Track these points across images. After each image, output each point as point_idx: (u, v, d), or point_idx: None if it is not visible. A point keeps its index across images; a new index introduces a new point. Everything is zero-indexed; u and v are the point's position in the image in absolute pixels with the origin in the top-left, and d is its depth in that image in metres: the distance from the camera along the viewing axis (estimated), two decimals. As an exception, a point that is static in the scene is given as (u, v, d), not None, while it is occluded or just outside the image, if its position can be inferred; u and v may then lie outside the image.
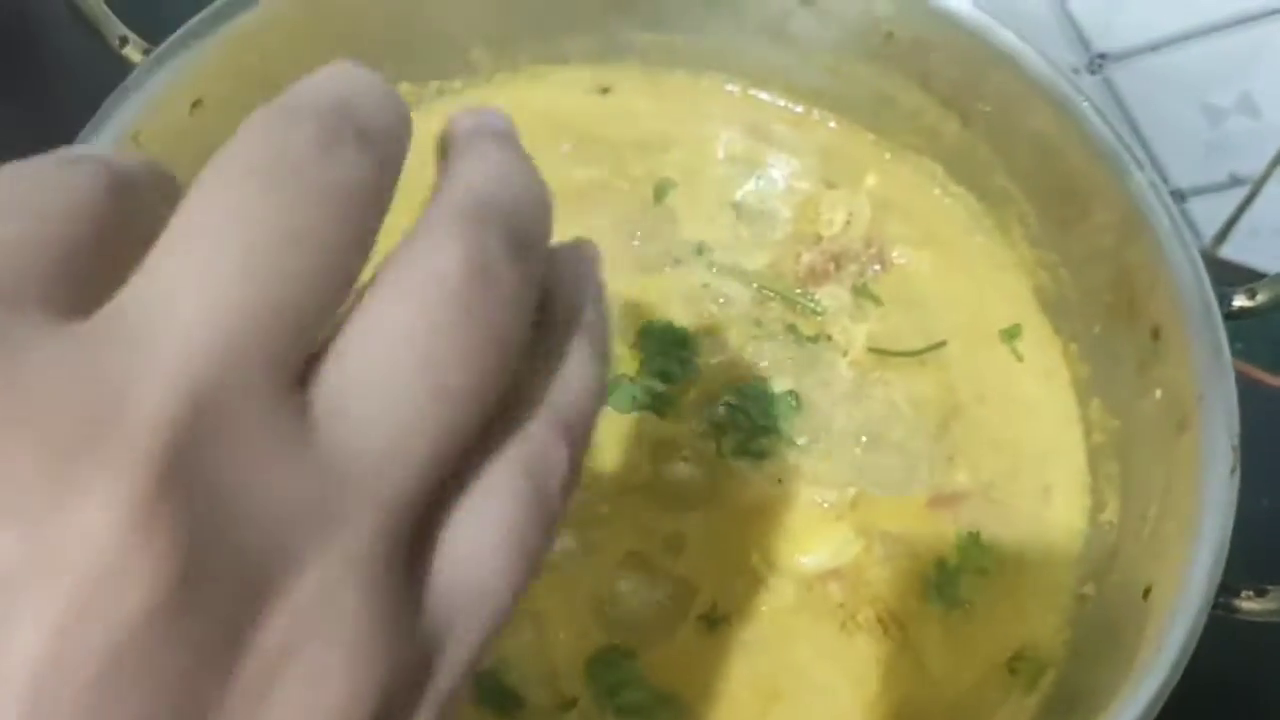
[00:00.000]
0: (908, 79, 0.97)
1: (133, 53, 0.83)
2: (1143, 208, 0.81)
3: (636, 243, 0.97)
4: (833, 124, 1.04)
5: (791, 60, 1.01)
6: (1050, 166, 0.89)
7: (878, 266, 0.96)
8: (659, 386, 0.88)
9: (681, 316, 0.92)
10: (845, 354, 0.92)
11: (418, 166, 1.05)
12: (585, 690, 0.76)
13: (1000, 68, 0.89)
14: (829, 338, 0.92)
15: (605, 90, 1.06)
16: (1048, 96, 0.86)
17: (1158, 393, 0.78)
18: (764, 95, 1.05)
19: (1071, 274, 0.90)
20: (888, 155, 1.03)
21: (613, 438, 0.86)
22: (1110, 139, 0.83)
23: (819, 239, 0.96)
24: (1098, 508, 0.84)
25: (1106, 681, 0.66)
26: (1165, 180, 1.30)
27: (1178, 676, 0.64)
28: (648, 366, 0.89)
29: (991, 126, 0.94)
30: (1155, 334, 0.79)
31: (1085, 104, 0.84)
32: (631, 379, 0.88)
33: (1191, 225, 1.29)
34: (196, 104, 0.85)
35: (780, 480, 0.85)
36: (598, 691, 0.76)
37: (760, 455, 0.85)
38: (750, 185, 1.01)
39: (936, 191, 1.01)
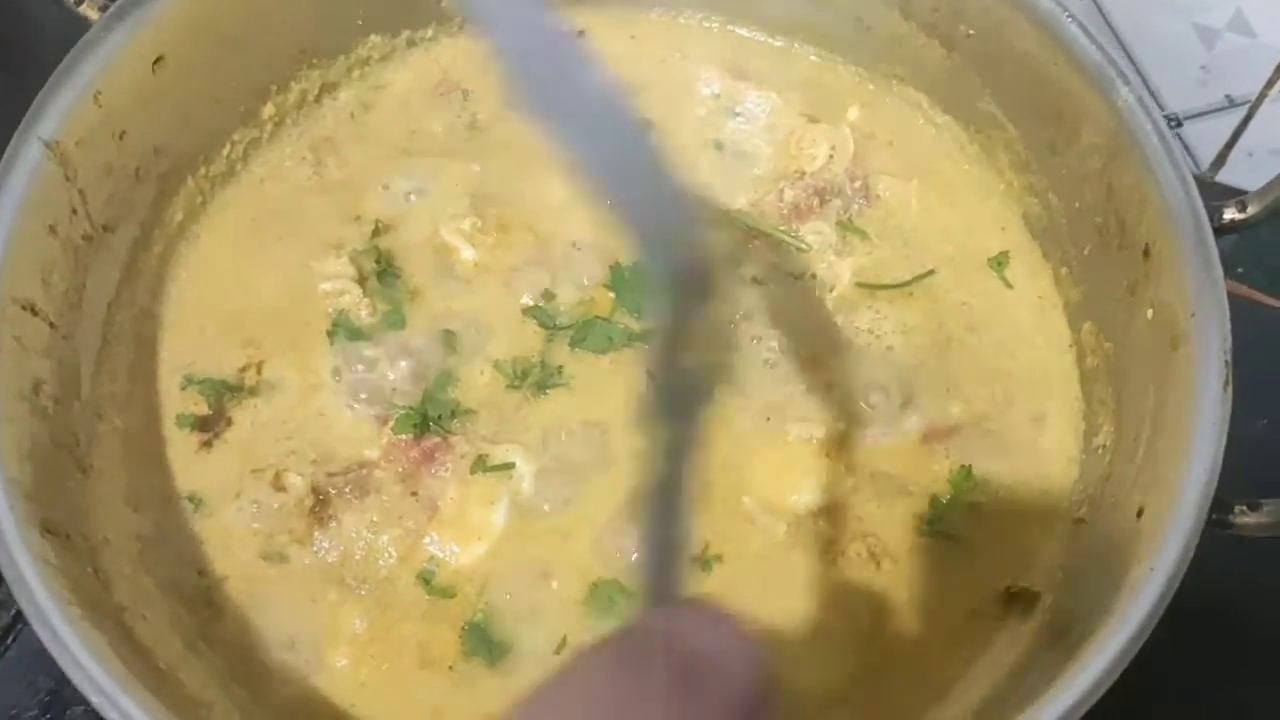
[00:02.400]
0: (888, 6, 0.94)
1: (89, 9, 0.81)
2: (1131, 125, 0.78)
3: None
4: (813, 57, 1.02)
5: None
6: (1037, 88, 0.86)
7: (863, 200, 0.94)
8: (635, 325, 0.87)
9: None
10: (832, 289, 0.90)
11: (394, 112, 1.01)
12: (578, 624, 0.76)
13: (981, -13, 0.86)
14: (813, 275, 0.91)
15: (580, 33, 1.03)
16: (1032, 15, 0.84)
17: (1149, 312, 0.76)
18: (743, 31, 1.03)
19: (1060, 198, 0.88)
20: (871, 87, 1.00)
21: (594, 382, 0.85)
22: (1096, 56, 0.81)
23: (801, 174, 0.94)
24: (1091, 432, 0.83)
25: (1101, 603, 0.65)
26: (1160, 105, 1.29)
27: (1171, 593, 0.63)
28: (622, 305, 0.88)
29: (975, 51, 0.91)
30: (1146, 252, 0.77)
31: (1069, 20, 0.82)
32: (605, 319, 0.87)
33: (1188, 149, 1.27)
34: (158, 61, 0.83)
35: (768, 418, 0.83)
36: (592, 624, 0.76)
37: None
38: (731, 123, 0.99)
39: (921, 122, 0.99)
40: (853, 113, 0.98)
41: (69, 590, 0.63)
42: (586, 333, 0.86)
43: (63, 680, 0.87)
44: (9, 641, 0.90)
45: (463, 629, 0.75)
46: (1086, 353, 0.85)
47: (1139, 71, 1.31)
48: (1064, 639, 0.67)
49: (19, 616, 0.91)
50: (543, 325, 0.87)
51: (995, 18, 0.88)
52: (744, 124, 0.99)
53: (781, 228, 0.92)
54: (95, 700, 0.58)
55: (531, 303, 0.88)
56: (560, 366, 0.85)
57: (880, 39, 0.97)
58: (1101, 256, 0.84)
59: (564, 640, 0.75)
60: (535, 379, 0.84)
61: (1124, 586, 0.64)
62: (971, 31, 0.91)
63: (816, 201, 0.94)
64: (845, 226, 0.93)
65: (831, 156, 0.95)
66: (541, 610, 0.77)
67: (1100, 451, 0.80)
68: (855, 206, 0.94)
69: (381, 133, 0.97)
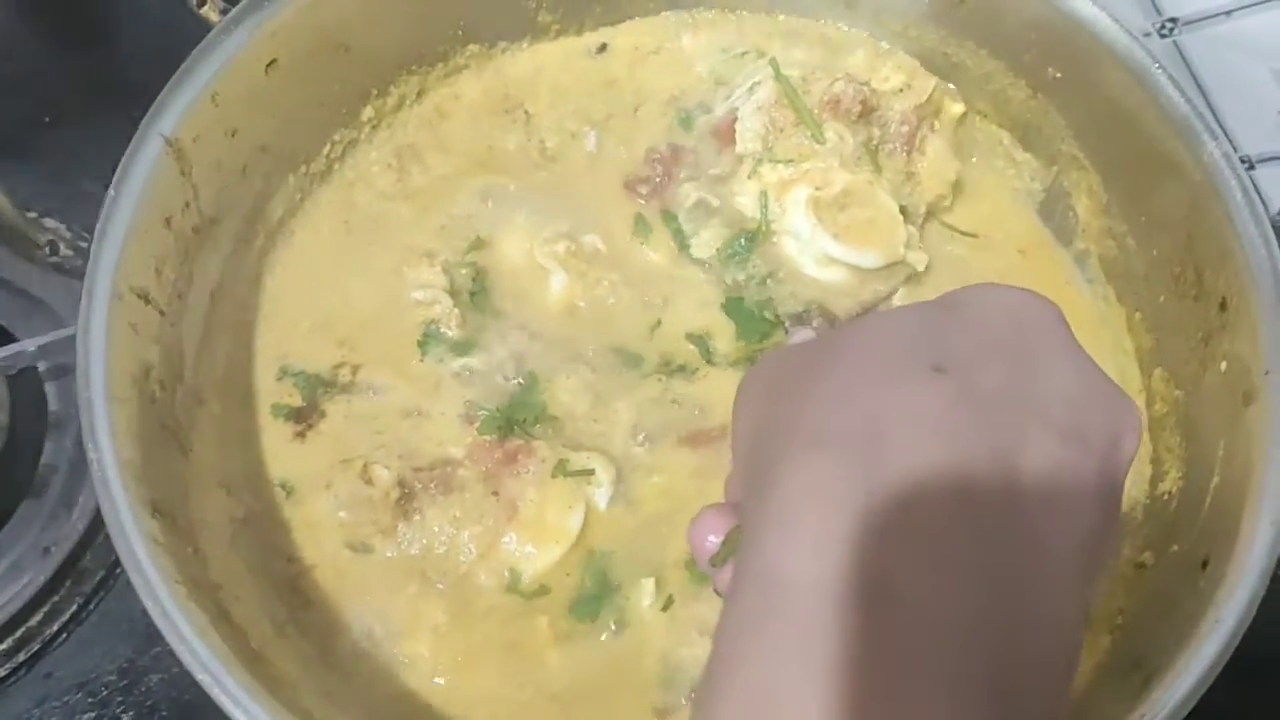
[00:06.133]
0: (978, 44, 0.96)
1: (210, 12, 0.85)
2: (1215, 179, 0.80)
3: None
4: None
5: (861, 24, 1.01)
6: (1122, 134, 0.88)
7: (902, 145, 0.93)
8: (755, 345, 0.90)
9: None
10: (818, 189, 0.89)
11: (467, 124, 1.01)
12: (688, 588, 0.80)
13: (1074, 34, 0.87)
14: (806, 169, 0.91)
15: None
16: (1122, 63, 0.85)
17: (1223, 364, 0.77)
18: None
19: (1139, 243, 0.89)
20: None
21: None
22: (1184, 108, 0.82)
23: (866, 83, 0.93)
24: (1158, 478, 0.84)
25: (1166, 647, 0.67)
26: (1235, 147, 1.29)
27: (1235, 644, 0.64)
28: (744, 335, 0.90)
29: (1062, 94, 0.93)
30: (1223, 305, 0.78)
31: (1159, 71, 0.83)
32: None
33: (1259, 191, 1.27)
34: (272, 64, 0.86)
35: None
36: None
37: None
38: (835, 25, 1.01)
39: (1000, 163, 1.00)
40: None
41: (174, 568, 0.67)
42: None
43: (139, 650, 0.92)
44: (90, 608, 0.93)
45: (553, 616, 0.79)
46: (1155, 398, 0.87)
47: (1214, 113, 1.31)
48: (1130, 678, 0.69)
49: (101, 584, 0.94)
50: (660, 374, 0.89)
51: (1085, 63, 0.89)
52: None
53: (813, 109, 0.92)
54: (200, 677, 0.61)
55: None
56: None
57: (968, 75, 0.98)
58: (1176, 305, 0.85)
59: (670, 601, 0.79)
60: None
61: (1191, 636, 0.65)
62: (1059, 75, 0.92)
63: (858, 109, 0.91)
64: (869, 151, 0.92)
65: (901, 91, 0.95)
66: (654, 568, 0.81)
67: (1166, 498, 0.82)
68: (889, 146, 0.93)
69: (459, 144, 0.98)
